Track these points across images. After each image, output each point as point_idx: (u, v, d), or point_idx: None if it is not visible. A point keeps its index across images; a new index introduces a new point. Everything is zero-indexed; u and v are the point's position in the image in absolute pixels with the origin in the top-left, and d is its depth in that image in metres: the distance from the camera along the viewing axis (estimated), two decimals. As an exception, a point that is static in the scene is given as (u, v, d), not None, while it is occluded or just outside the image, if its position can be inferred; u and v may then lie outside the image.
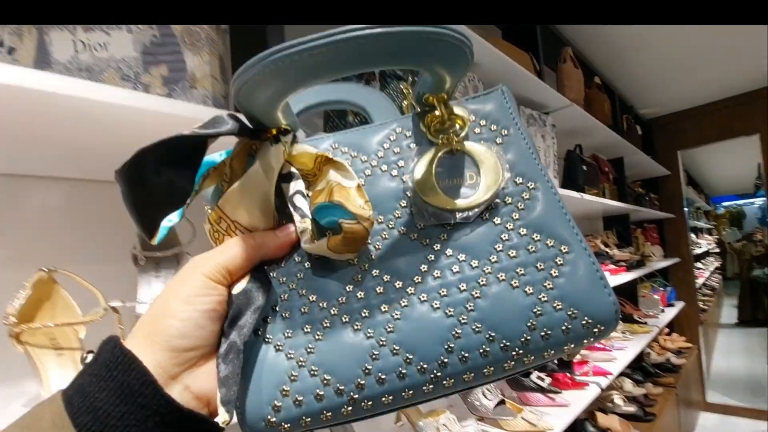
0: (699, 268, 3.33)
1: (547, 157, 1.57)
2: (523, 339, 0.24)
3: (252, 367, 0.25)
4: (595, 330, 0.25)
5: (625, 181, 2.52)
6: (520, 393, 1.34)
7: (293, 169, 0.28)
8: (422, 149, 0.30)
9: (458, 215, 0.28)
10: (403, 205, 0.29)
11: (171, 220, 0.25)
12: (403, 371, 0.24)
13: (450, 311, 0.25)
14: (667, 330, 2.88)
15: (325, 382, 0.24)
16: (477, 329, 0.25)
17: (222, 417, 0.21)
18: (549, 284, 0.25)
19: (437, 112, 0.30)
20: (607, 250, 2.03)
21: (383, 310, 0.26)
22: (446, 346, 0.24)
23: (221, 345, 0.23)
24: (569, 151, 1.83)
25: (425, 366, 0.24)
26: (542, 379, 1.30)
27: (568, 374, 1.45)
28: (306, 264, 0.28)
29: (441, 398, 0.26)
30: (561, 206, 0.28)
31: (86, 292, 0.56)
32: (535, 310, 0.25)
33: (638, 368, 2.33)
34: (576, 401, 1.34)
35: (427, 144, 0.30)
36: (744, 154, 3.42)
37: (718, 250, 4.86)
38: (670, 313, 2.63)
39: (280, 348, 0.25)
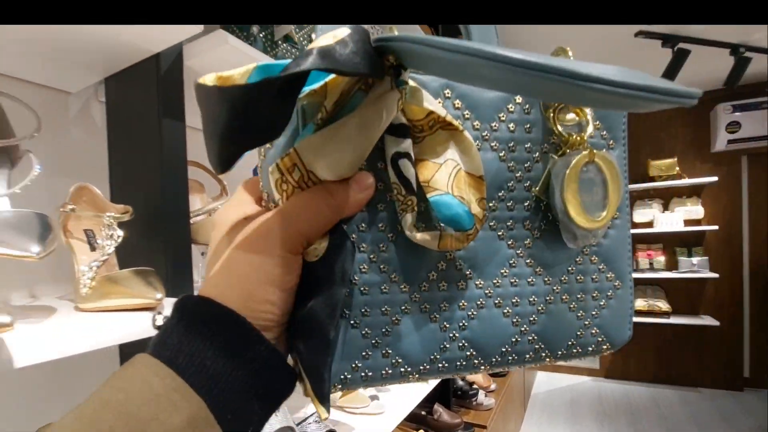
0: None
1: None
2: (560, 352, 0.28)
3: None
4: (605, 349, 0.29)
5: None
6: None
7: (404, 121, 0.23)
8: (540, 137, 0.27)
9: (597, 236, 0.27)
10: (501, 196, 0.26)
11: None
12: (463, 363, 0.26)
13: (516, 320, 0.27)
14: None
15: (394, 363, 0.24)
16: (532, 340, 0.27)
17: (323, 414, 0.21)
18: (596, 313, 0.28)
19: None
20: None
21: (461, 306, 0.26)
22: (504, 349, 0.26)
23: (296, 322, 0.22)
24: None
25: (482, 360, 0.26)
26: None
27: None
28: (390, 235, 0.24)
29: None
30: (629, 242, 0.29)
31: None
32: (578, 333, 0.28)
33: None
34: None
35: (546, 133, 0.27)
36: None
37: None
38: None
39: (357, 325, 0.24)
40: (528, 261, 0.27)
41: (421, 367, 0.25)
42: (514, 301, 0.27)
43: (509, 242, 0.27)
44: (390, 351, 0.24)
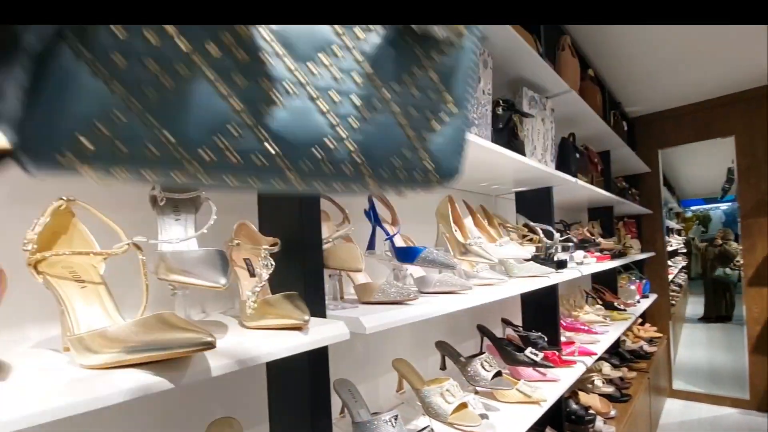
0: (669, 266, 3.48)
1: (546, 141, 1.60)
2: (384, 173, 0.25)
3: (45, 84, 0.16)
4: (432, 180, 0.27)
5: (610, 175, 2.60)
6: (512, 367, 1.38)
7: None
8: None
9: (447, 41, 0.25)
10: None
11: None
12: (264, 162, 0.21)
13: (335, 121, 0.23)
14: (640, 320, 3.01)
15: (162, 140, 0.18)
16: (353, 151, 0.23)
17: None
18: (426, 136, 0.26)
19: None
20: (594, 238, 2.10)
21: (264, 86, 0.20)
22: (317, 153, 0.22)
23: None
24: (563, 139, 1.87)
25: (289, 164, 0.22)
26: (536, 354, 1.33)
27: (557, 353, 1.50)
28: None
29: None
30: (473, 69, 0.27)
31: (103, 232, 0.54)
32: (405, 153, 0.25)
33: (615, 353, 2.43)
34: (564, 377, 1.39)
35: None
36: (715, 158, 3.59)
37: (684, 250, 5.11)
38: (645, 304, 2.74)
39: (98, 71, 0.17)
40: (356, 55, 0.23)
41: (204, 155, 0.19)
42: (333, 96, 0.22)
43: (336, 27, 0.22)
44: (153, 121, 0.18)
